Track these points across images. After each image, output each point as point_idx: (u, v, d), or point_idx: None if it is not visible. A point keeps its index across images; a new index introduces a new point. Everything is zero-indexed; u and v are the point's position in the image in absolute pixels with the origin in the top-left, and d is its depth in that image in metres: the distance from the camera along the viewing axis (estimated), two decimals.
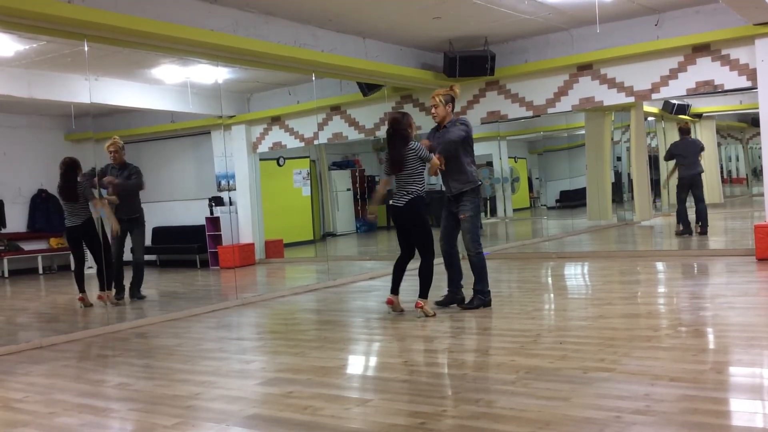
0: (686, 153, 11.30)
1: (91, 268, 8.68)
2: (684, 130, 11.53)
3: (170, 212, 13.04)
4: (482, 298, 6.53)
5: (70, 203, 8.38)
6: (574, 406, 3.55)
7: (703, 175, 11.73)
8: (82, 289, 8.44)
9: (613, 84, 9.71)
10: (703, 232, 11.20)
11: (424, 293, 6.34)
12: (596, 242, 12.68)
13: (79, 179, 8.38)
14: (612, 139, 14.47)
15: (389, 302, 6.46)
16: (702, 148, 11.53)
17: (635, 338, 4.91)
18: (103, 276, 8.33)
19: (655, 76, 9.36)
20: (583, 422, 3.32)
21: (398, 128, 6.29)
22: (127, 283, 8.69)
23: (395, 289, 6.50)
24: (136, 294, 8.73)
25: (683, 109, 14.28)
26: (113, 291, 8.47)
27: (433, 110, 6.59)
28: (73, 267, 8.82)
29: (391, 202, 6.45)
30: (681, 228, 11.32)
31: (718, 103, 14.98)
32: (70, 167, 8.39)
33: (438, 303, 6.64)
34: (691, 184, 11.27)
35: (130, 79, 10.56)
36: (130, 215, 8.72)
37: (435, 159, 6.33)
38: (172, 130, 12.77)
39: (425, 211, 6.42)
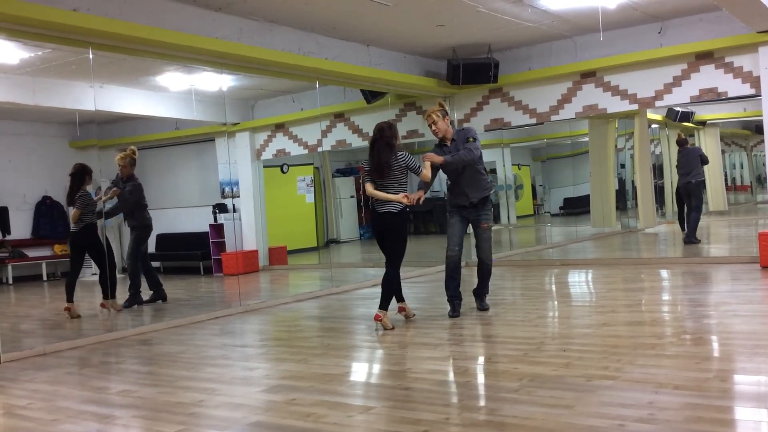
0: (682, 162, 11.32)
1: (95, 274, 8.68)
2: (680, 142, 11.58)
3: (174, 219, 13.06)
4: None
5: (71, 208, 8.43)
6: (578, 414, 3.54)
7: (708, 184, 11.73)
8: (70, 299, 8.27)
9: (617, 91, 9.72)
10: (693, 240, 11.17)
11: (384, 305, 6.28)
12: (600, 249, 12.66)
13: (87, 187, 8.39)
14: (616, 146, 14.47)
15: (400, 310, 6.52)
16: (700, 156, 11.45)
17: (639, 346, 4.90)
18: (107, 284, 8.33)
19: (659, 83, 9.37)
20: (587, 430, 3.31)
21: (383, 135, 6.26)
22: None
23: (400, 298, 6.56)
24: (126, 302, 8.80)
25: (687, 116, 14.28)
26: (116, 299, 8.46)
27: (432, 127, 6.51)
28: (62, 273, 8.80)
29: (378, 209, 6.34)
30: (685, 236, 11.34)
31: (722, 110, 14.98)
32: (78, 173, 8.38)
33: (456, 315, 6.54)
34: (687, 193, 11.28)
35: (134, 87, 10.60)
36: (132, 224, 8.92)
37: (426, 172, 6.32)
38: (176, 137, 12.81)
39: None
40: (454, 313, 6.51)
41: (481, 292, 6.77)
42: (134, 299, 8.80)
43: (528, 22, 8.86)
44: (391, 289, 6.32)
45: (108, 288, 8.31)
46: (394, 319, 6.51)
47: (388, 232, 6.34)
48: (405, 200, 6.20)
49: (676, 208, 12.00)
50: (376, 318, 6.22)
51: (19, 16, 5.82)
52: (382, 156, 6.24)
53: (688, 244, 11.10)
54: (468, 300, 6.89)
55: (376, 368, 5.20)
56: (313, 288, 9.74)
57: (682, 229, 11.60)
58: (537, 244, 13.79)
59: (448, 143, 6.58)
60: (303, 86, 11.33)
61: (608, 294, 7.84)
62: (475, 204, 6.54)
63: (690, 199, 11.27)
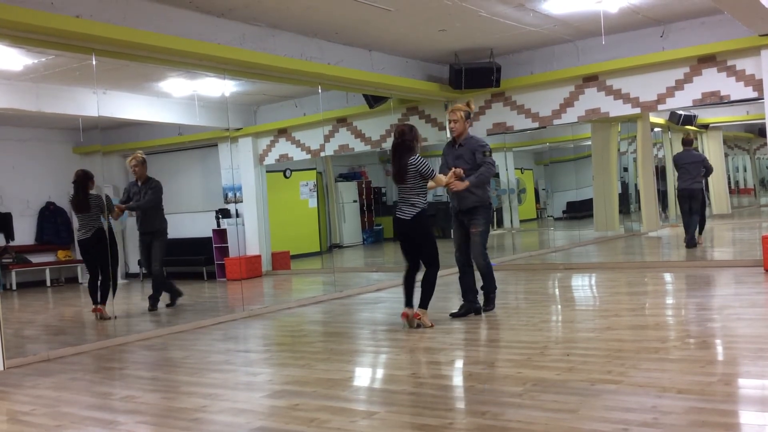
0: (686, 165, 11.23)
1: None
2: (686, 142, 11.50)
3: (177, 224, 13.01)
4: (493, 298, 6.90)
5: (80, 215, 8.50)
6: (582, 419, 3.53)
7: (711, 187, 11.65)
8: (95, 301, 8.51)
9: (619, 95, 9.72)
10: (694, 243, 11.05)
11: (424, 304, 6.34)
12: (603, 253, 12.65)
13: (91, 192, 8.49)
14: (618, 149, 14.47)
15: (404, 316, 6.39)
16: (702, 162, 11.36)
17: (643, 350, 4.89)
18: (106, 289, 8.49)
19: (661, 87, 9.37)
20: None
21: (404, 139, 6.27)
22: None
23: (409, 303, 6.45)
24: (151, 306, 8.87)
25: (689, 119, 14.28)
26: (105, 306, 8.52)
27: (452, 124, 6.74)
28: (81, 279, 8.88)
29: (396, 214, 6.43)
30: (687, 239, 11.26)
31: (725, 113, 14.97)
32: (82, 179, 8.50)
33: (455, 315, 6.66)
34: (690, 197, 11.18)
35: (137, 93, 10.63)
36: (149, 229, 8.96)
37: (441, 177, 6.43)
38: (179, 142, 12.83)
39: (430, 223, 6.49)
40: (467, 312, 6.63)
41: (485, 291, 6.88)
42: (155, 304, 8.92)
43: (530, 26, 8.87)
44: (429, 289, 6.35)
45: (104, 294, 8.48)
46: (390, 322, 6.50)
47: (410, 238, 6.40)
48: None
49: (679, 212, 11.91)
50: (416, 316, 6.28)
51: (22, 23, 5.84)
52: (403, 160, 6.25)
53: (693, 245, 11.05)
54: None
55: (380, 373, 5.19)
56: (316, 293, 9.74)
57: (686, 233, 11.46)
58: (540, 248, 13.78)
59: (456, 146, 6.79)
60: (305, 91, 11.35)
61: (612, 298, 7.83)
62: (468, 210, 6.71)
63: (691, 203, 11.18)
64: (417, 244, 6.40)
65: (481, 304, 6.81)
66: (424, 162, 6.27)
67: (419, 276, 6.48)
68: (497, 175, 15.83)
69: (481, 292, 6.88)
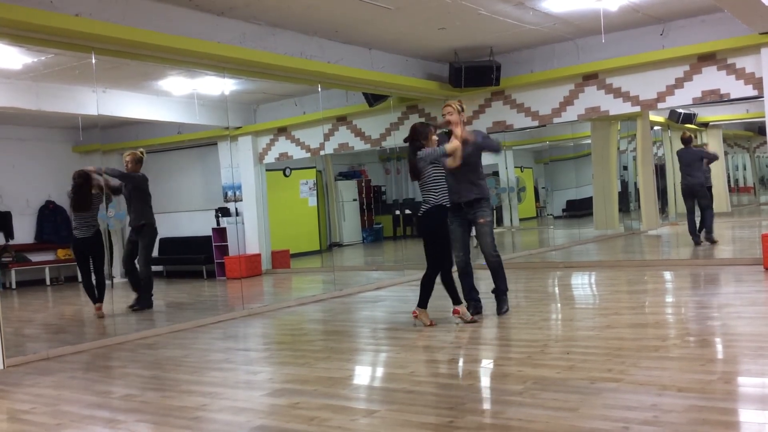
0: (686, 162, 11.25)
1: (115, 277, 8.74)
2: (685, 140, 11.52)
3: (177, 223, 13.08)
4: (506, 298, 6.70)
5: (79, 214, 8.49)
6: (582, 417, 3.53)
7: (715, 184, 11.65)
8: (94, 300, 8.52)
9: (619, 93, 9.71)
10: (708, 239, 11.14)
11: (423, 303, 6.31)
12: (603, 251, 12.65)
13: (93, 192, 8.52)
14: (618, 148, 14.46)
15: (455, 312, 6.31)
16: (701, 158, 11.39)
17: (643, 348, 4.89)
18: (103, 288, 8.53)
19: (661, 85, 9.36)
20: None
21: (413, 137, 6.28)
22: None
23: (464, 296, 6.48)
24: (137, 304, 8.84)
25: (689, 118, 14.25)
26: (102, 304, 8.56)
27: (447, 117, 6.56)
28: (80, 278, 8.89)
29: (419, 212, 6.40)
30: (691, 237, 11.30)
31: (725, 112, 14.95)
32: (85, 178, 8.51)
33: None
34: (692, 194, 11.22)
35: (137, 91, 10.62)
36: (136, 223, 8.93)
37: (454, 144, 6.24)
38: (179, 141, 12.84)
39: (445, 221, 6.32)
40: (474, 312, 6.48)
41: (498, 291, 6.65)
42: (148, 302, 8.88)
43: (530, 24, 8.87)
44: (429, 289, 6.31)
45: (101, 293, 8.52)
46: (390, 321, 6.49)
47: (423, 235, 6.37)
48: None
49: (680, 210, 11.91)
50: (413, 315, 6.29)
51: (22, 22, 5.84)
52: (410, 160, 6.28)
53: (708, 242, 11.07)
54: (490, 304, 6.75)
55: (380, 371, 5.20)
56: (316, 291, 9.74)
57: (692, 232, 11.42)
58: (540, 247, 13.78)
59: (453, 137, 6.58)
60: (305, 90, 11.34)
61: (611, 296, 7.83)
62: (470, 202, 6.55)
63: (694, 200, 11.23)
64: (426, 241, 6.31)
65: (494, 308, 6.62)
66: (426, 152, 6.18)
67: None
68: (496, 174, 15.83)
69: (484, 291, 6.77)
